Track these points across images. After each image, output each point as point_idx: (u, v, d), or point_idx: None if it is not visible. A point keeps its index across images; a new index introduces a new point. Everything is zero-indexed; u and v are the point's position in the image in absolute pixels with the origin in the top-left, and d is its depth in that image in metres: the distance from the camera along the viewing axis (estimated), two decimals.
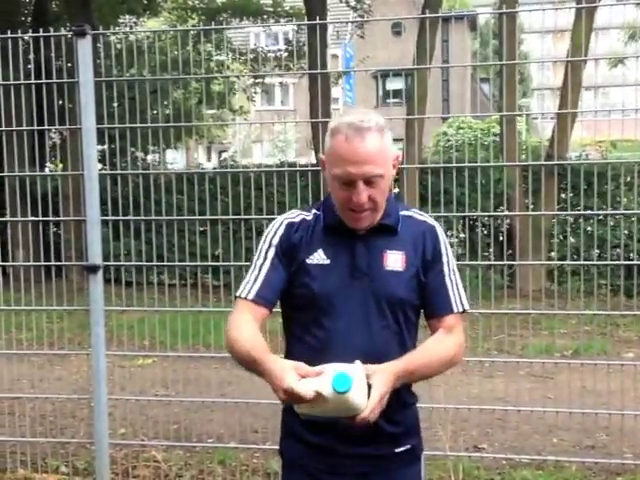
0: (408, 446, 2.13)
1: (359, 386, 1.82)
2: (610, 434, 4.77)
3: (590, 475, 4.37)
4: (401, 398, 2.03)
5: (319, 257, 2.08)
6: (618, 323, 7.12)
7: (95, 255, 4.15)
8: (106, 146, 4.57)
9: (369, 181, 1.98)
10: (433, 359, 2.06)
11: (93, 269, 4.14)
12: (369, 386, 1.85)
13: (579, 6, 8.28)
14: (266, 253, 2.12)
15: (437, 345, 2.09)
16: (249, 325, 2.04)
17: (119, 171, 4.64)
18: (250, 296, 2.08)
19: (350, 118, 2.00)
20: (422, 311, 2.16)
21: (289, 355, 2.13)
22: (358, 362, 1.87)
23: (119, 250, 4.70)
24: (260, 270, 2.11)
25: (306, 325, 2.08)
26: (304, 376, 1.82)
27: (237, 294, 2.12)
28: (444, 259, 2.14)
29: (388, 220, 2.11)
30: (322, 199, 2.22)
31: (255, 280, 2.10)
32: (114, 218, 4.52)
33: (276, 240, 2.13)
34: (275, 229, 2.15)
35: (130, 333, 5.74)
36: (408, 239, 2.11)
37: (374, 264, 2.07)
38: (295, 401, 1.81)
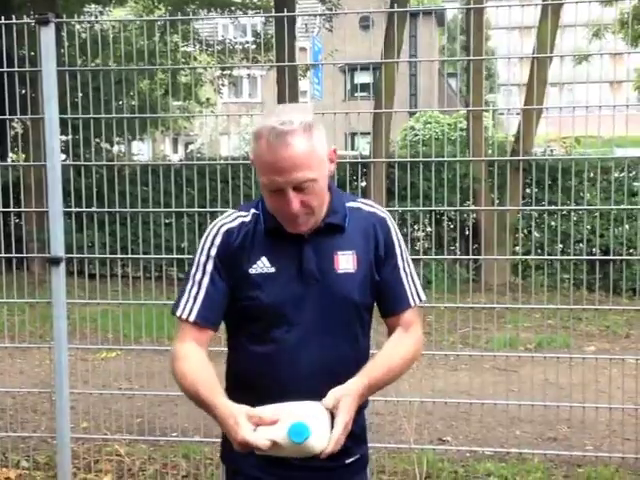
0: (357, 456, 2.05)
1: (319, 429, 1.72)
2: (571, 426, 4.84)
3: (552, 467, 4.43)
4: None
5: (263, 265, 1.93)
6: (580, 317, 7.21)
7: (58, 247, 4.10)
8: (70, 136, 4.50)
9: (300, 187, 1.83)
10: (394, 365, 1.97)
11: (55, 261, 4.08)
12: (332, 414, 1.76)
13: (545, 3, 8.34)
14: (204, 266, 1.96)
15: (397, 348, 1.99)
16: (195, 356, 1.92)
17: (82, 162, 4.56)
18: (192, 317, 1.95)
19: (271, 121, 1.82)
20: (377, 306, 2.07)
21: (235, 367, 2.05)
22: (318, 404, 1.76)
23: (82, 242, 4.63)
24: (200, 286, 1.96)
25: (254, 336, 1.96)
26: (258, 423, 1.72)
27: (178, 314, 1.98)
28: (397, 251, 2.03)
29: (334, 218, 1.97)
30: (259, 196, 2.02)
31: (195, 298, 1.96)
32: (77, 210, 4.45)
33: (214, 251, 1.96)
34: (212, 238, 1.98)
35: (93, 326, 5.68)
36: (358, 234, 1.99)
37: (325, 268, 1.94)
38: (251, 450, 1.72)
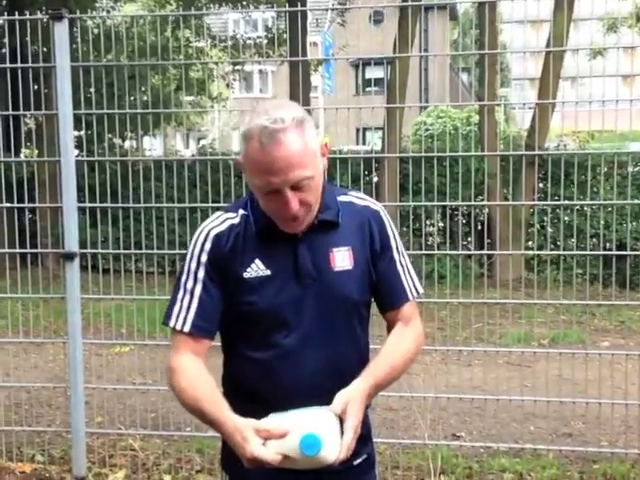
0: (365, 456, 2.01)
1: (330, 438, 1.67)
2: (587, 422, 4.82)
3: (567, 463, 4.40)
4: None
5: (257, 269, 1.85)
6: (594, 312, 7.18)
7: (72, 242, 4.11)
8: (83, 132, 4.51)
9: (297, 186, 1.76)
10: (397, 362, 1.93)
11: (70, 256, 4.09)
12: (341, 421, 1.72)
13: None
14: (196, 274, 1.88)
15: (399, 345, 1.95)
16: (193, 368, 1.85)
17: (96, 157, 4.57)
18: (187, 328, 1.87)
19: (262, 120, 1.73)
20: (375, 301, 2.02)
21: (233, 373, 1.98)
22: (326, 411, 1.72)
23: (96, 237, 4.64)
24: (192, 295, 1.88)
25: (253, 342, 1.89)
26: (267, 437, 1.66)
27: (171, 324, 1.89)
28: (392, 244, 1.98)
29: (328, 215, 1.90)
30: (247, 195, 1.96)
31: (189, 307, 1.88)
32: (91, 205, 4.46)
33: (205, 257, 1.87)
34: (201, 244, 1.89)
35: (107, 321, 5.69)
36: (352, 229, 1.93)
37: (322, 267, 1.88)
38: (261, 465, 1.66)
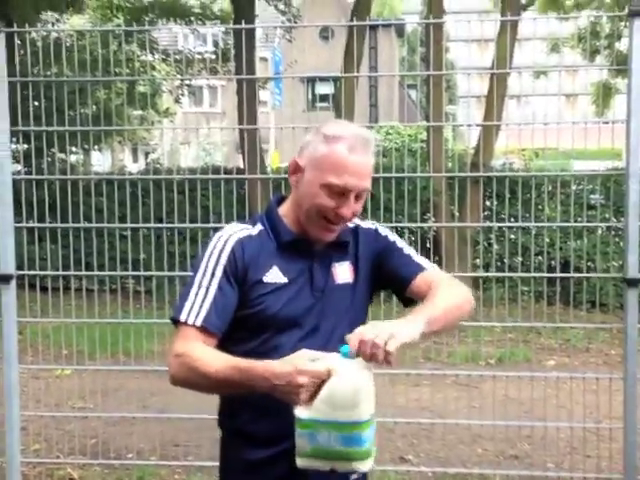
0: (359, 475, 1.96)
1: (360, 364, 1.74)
2: (532, 443, 4.83)
3: None
4: None
5: (275, 276, 1.92)
6: (540, 331, 7.24)
7: (8, 264, 3.97)
8: (25, 146, 4.38)
9: (360, 195, 1.91)
10: (450, 304, 1.89)
11: (6, 279, 3.95)
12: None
13: (503, 19, 8.43)
14: (213, 272, 1.90)
15: (447, 293, 1.91)
16: (208, 348, 1.85)
17: (35, 176, 4.42)
18: (198, 322, 1.86)
19: (353, 129, 1.92)
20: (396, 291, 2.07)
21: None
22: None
23: (35, 254, 4.49)
24: (207, 291, 1.89)
25: (252, 350, 1.89)
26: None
27: (181, 319, 1.88)
28: (392, 239, 2.08)
29: (344, 236, 2.01)
30: (259, 215, 2.05)
31: (202, 302, 1.88)
32: (29, 225, 4.32)
33: (225, 258, 1.91)
34: (222, 246, 1.92)
35: (46, 342, 5.51)
36: (352, 246, 2.04)
37: (328, 280, 1.97)
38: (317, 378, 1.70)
